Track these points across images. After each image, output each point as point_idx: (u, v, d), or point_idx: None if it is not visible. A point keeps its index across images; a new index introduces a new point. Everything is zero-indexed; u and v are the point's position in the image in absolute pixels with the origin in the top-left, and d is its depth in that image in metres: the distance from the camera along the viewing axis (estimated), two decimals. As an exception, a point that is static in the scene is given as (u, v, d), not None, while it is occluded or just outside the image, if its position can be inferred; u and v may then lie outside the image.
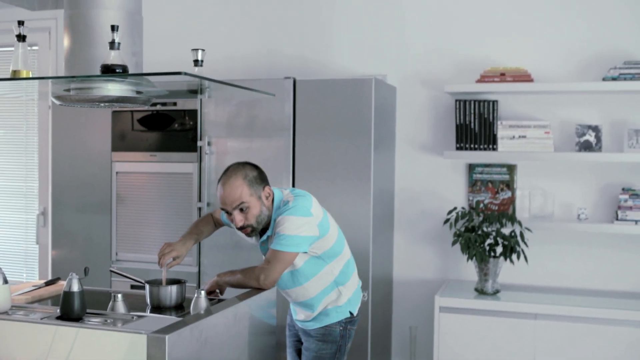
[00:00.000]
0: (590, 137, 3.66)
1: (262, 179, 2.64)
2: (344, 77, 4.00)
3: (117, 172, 3.97)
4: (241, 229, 2.61)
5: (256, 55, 4.29)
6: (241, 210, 2.57)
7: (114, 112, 3.95)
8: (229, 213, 2.61)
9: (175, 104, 3.82)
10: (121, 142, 3.96)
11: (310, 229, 2.60)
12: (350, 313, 2.80)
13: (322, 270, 2.69)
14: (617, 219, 3.61)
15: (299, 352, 2.94)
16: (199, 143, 3.76)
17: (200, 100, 3.75)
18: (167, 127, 3.86)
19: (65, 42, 2.53)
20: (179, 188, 3.84)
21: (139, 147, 3.92)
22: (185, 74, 2.11)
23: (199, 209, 3.77)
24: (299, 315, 2.81)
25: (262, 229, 2.68)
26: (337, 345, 2.80)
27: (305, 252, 2.62)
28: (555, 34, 3.82)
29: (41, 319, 2.21)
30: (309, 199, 2.65)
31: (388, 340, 4.06)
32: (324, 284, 2.71)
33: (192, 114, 3.79)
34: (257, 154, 3.63)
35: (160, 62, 4.10)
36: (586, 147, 3.66)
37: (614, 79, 3.55)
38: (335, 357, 2.80)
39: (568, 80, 3.78)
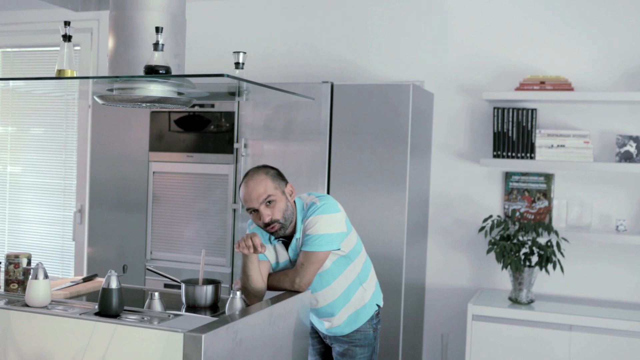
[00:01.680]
0: (631, 147, 3.60)
1: (282, 176, 2.66)
2: (381, 82, 4.00)
3: (153, 172, 4.01)
4: (269, 225, 2.58)
5: (294, 58, 4.31)
6: (267, 204, 2.57)
7: (152, 112, 4.00)
8: (254, 212, 2.59)
9: (212, 105, 3.86)
10: (158, 143, 4.00)
11: (341, 225, 2.63)
12: (378, 305, 2.84)
13: (347, 269, 2.71)
14: (656, 232, 3.55)
15: (323, 357, 2.95)
16: (235, 145, 3.79)
17: (238, 102, 3.78)
18: (204, 128, 3.89)
19: (110, 42, 2.57)
20: (214, 189, 3.87)
21: (176, 147, 3.96)
22: (228, 76, 2.13)
23: (234, 210, 3.79)
24: (325, 324, 2.81)
25: (288, 236, 2.68)
26: (372, 347, 2.83)
27: (338, 249, 2.63)
28: (596, 43, 3.77)
29: (80, 314, 2.25)
30: (332, 198, 2.69)
31: (419, 347, 4.04)
32: (348, 281, 2.72)
33: (229, 116, 3.82)
34: (293, 158, 3.64)
35: (200, 63, 4.14)
36: (627, 157, 3.61)
37: (656, 89, 3.49)
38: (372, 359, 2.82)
39: (609, 90, 3.73)
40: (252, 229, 2.73)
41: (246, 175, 2.65)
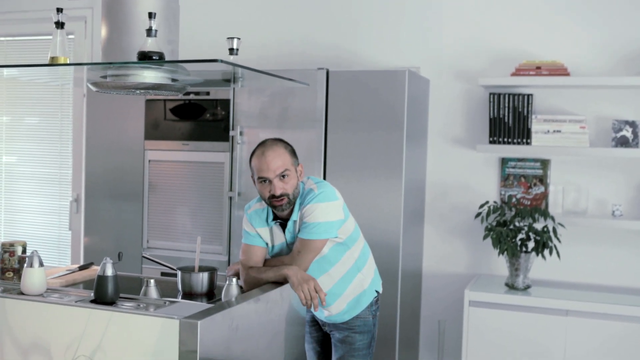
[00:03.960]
0: (627, 132, 3.60)
1: (296, 155, 2.66)
2: (377, 68, 3.98)
3: (149, 161, 4.00)
4: (279, 197, 2.55)
5: (289, 46, 4.29)
6: (282, 177, 2.56)
7: (147, 101, 3.98)
8: (266, 182, 2.56)
9: (208, 93, 3.84)
10: (154, 131, 3.99)
11: (338, 212, 2.62)
12: (377, 292, 2.84)
13: (344, 255, 2.71)
14: (652, 217, 3.56)
15: (321, 345, 2.95)
16: (231, 133, 3.78)
17: (233, 90, 3.76)
18: (200, 116, 3.88)
19: (103, 29, 2.56)
20: (210, 177, 3.86)
21: (172, 136, 3.94)
22: (222, 61, 2.11)
23: (230, 198, 3.78)
24: (324, 312, 2.80)
25: (285, 217, 2.67)
26: (371, 334, 2.83)
27: (336, 237, 2.62)
28: (592, 28, 3.76)
29: (75, 302, 2.25)
30: (330, 185, 2.69)
31: (416, 333, 4.04)
32: (346, 268, 2.72)
33: (225, 103, 3.81)
34: (289, 145, 3.63)
35: (194, 50, 4.12)
36: (622, 142, 3.60)
37: (652, 73, 3.48)
38: (370, 346, 2.82)
39: (605, 75, 3.71)
40: (249, 213, 2.72)
41: (262, 144, 2.62)
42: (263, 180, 2.57)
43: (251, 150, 3.68)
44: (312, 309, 2.52)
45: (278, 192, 2.55)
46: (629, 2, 3.69)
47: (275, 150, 2.58)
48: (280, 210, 2.62)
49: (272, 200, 2.58)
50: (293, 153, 2.64)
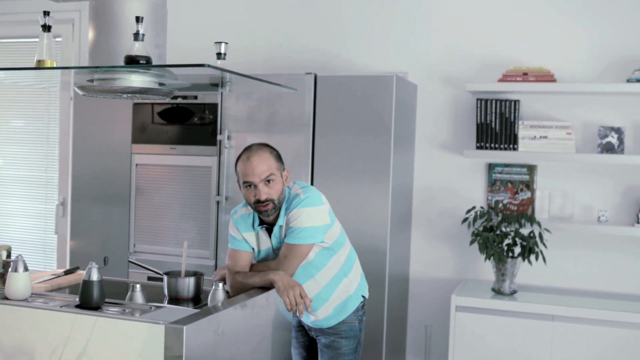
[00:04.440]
0: (613, 139, 3.62)
1: (282, 159, 2.66)
2: (365, 73, 3.99)
3: (136, 165, 3.99)
4: (263, 203, 2.56)
5: (277, 51, 4.29)
6: (267, 182, 2.56)
7: (135, 104, 3.97)
8: (251, 186, 2.56)
9: (195, 97, 3.83)
10: (141, 135, 3.98)
11: (324, 217, 2.63)
12: (363, 297, 2.84)
13: (330, 260, 2.71)
14: (638, 222, 3.58)
15: (307, 350, 2.94)
16: (219, 137, 3.77)
17: (221, 94, 3.76)
18: (187, 120, 3.87)
19: (90, 32, 2.54)
20: (198, 181, 3.85)
21: (159, 139, 3.93)
22: (209, 66, 2.11)
23: (217, 202, 3.78)
24: (310, 317, 2.80)
25: (271, 222, 2.67)
26: (357, 339, 2.83)
27: (322, 242, 2.62)
28: (579, 35, 3.78)
29: (60, 307, 2.23)
30: (316, 190, 2.69)
31: (403, 338, 4.05)
32: (332, 273, 2.72)
33: (212, 107, 3.80)
34: (277, 149, 3.62)
35: (182, 54, 4.11)
36: (608, 148, 3.63)
37: (638, 80, 3.51)
38: (356, 352, 2.82)
39: (591, 81, 3.74)
40: (235, 218, 2.72)
41: (248, 148, 2.62)
42: (248, 184, 2.57)
43: (238, 154, 3.70)
44: (297, 315, 2.52)
45: (263, 197, 2.55)
46: (615, 9, 3.72)
47: (261, 155, 2.58)
48: (266, 215, 2.62)
49: (257, 205, 2.58)
50: (279, 158, 2.65)
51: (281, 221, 2.63)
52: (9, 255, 2.65)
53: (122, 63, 2.36)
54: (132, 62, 2.31)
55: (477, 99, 3.79)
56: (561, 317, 3.41)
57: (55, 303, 2.29)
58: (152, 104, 3.94)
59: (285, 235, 2.62)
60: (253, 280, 2.55)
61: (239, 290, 2.56)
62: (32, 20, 3.19)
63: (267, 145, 2.66)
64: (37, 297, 2.38)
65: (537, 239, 3.57)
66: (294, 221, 2.58)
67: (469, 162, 3.97)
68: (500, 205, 3.85)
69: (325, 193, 2.74)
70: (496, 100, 3.75)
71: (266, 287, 2.52)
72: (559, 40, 3.81)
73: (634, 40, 3.69)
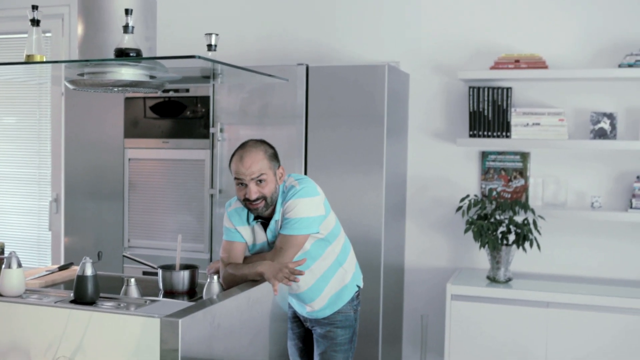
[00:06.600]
0: (605, 124, 3.63)
1: (277, 158, 2.65)
2: (357, 63, 3.98)
3: (129, 159, 3.97)
4: (254, 201, 2.55)
5: (268, 41, 4.28)
6: (258, 182, 2.55)
7: (127, 99, 3.95)
8: (242, 185, 2.57)
9: (187, 90, 3.82)
10: (134, 129, 3.96)
11: (319, 208, 2.63)
12: (358, 287, 2.85)
13: (325, 251, 2.71)
14: (631, 207, 3.59)
15: (303, 341, 2.95)
16: (211, 130, 3.76)
17: (213, 87, 3.74)
18: (180, 114, 3.86)
19: (79, 26, 2.53)
20: (191, 175, 3.84)
21: (152, 134, 3.92)
22: (200, 57, 2.10)
23: (211, 195, 3.77)
24: (306, 308, 2.81)
25: (267, 217, 2.66)
26: (353, 328, 2.84)
27: (317, 232, 2.62)
28: (570, 21, 3.78)
29: (55, 302, 2.22)
30: (311, 180, 2.69)
31: (399, 328, 4.06)
32: (328, 263, 2.73)
33: (205, 100, 3.79)
34: (270, 141, 3.59)
35: (173, 47, 4.09)
36: (601, 134, 3.63)
37: (630, 65, 3.51)
38: (352, 341, 2.83)
39: (583, 67, 3.74)
40: (229, 211, 2.71)
41: (243, 146, 2.61)
42: (240, 182, 2.58)
43: (232, 147, 3.69)
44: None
45: (253, 197, 2.55)
46: (605, -5, 3.72)
47: (254, 156, 2.56)
48: (257, 213, 2.62)
49: (247, 203, 2.58)
50: (273, 156, 2.62)
51: (277, 216, 2.62)
52: (2, 252, 2.64)
53: (112, 56, 2.34)
54: (122, 55, 2.29)
55: (470, 87, 3.79)
56: (556, 303, 3.42)
57: (50, 299, 2.28)
58: (144, 98, 3.92)
59: (280, 227, 2.61)
60: (242, 272, 2.54)
61: (230, 282, 2.55)
62: (21, 16, 3.17)
63: (262, 143, 2.64)
64: (31, 293, 2.38)
65: (531, 226, 3.57)
66: (289, 212, 2.57)
67: (462, 151, 3.97)
68: (494, 193, 3.85)
69: (319, 184, 2.73)
70: (488, 88, 3.75)
71: (261, 280, 2.51)
72: (551, 26, 3.81)
73: (625, 26, 3.69)
